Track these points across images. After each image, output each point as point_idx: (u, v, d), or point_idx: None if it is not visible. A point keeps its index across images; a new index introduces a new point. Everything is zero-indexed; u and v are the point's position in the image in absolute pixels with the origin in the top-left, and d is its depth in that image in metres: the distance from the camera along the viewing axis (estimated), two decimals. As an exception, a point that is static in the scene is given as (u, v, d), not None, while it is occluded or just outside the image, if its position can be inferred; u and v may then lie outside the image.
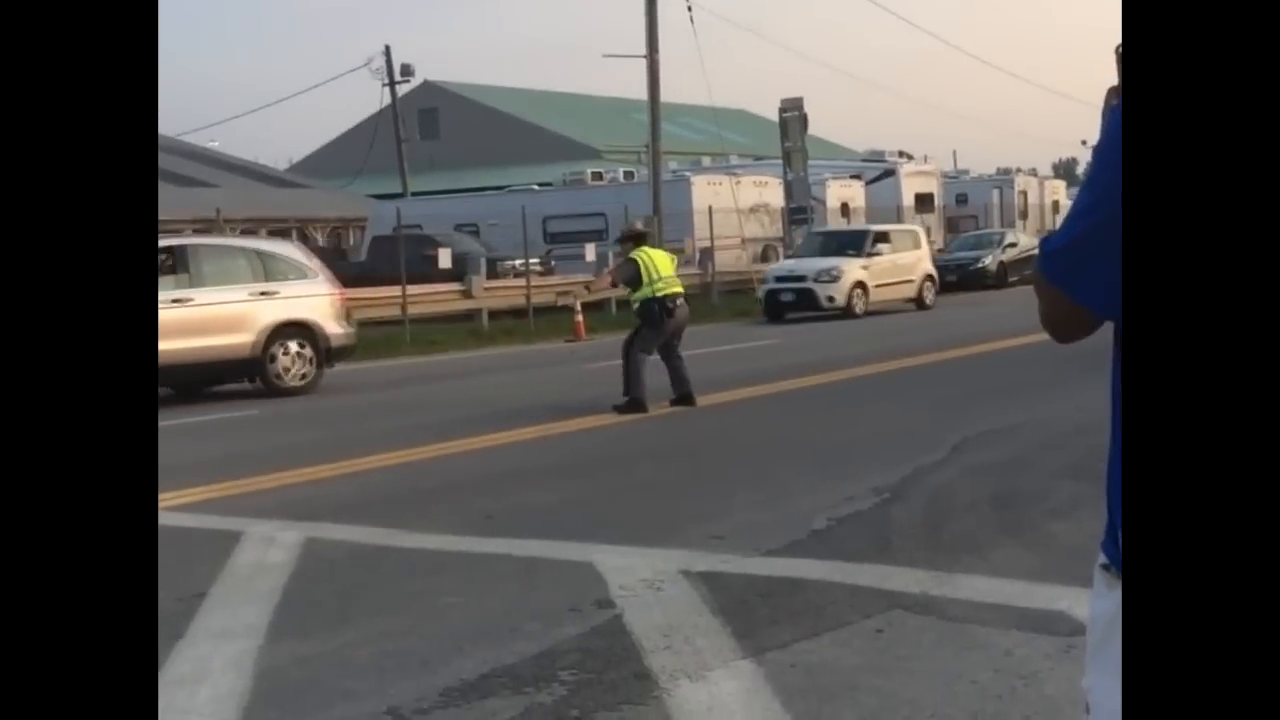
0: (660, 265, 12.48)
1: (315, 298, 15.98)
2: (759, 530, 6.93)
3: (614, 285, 13.75)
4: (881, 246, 27.11)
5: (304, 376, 15.71)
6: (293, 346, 15.61)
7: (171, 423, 13.32)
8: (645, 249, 12.69)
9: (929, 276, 28.44)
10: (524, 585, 6.07)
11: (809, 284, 26.05)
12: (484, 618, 5.53)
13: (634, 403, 12.04)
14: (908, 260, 27.67)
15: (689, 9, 31.71)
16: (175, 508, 8.30)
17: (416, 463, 9.81)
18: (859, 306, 25.83)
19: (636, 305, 12.59)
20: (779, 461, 9.18)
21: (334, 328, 16.09)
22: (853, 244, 27.25)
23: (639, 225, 13.40)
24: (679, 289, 12.60)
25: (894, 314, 26.06)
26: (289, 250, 17.41)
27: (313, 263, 16.82)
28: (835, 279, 25.67)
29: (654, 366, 12.41)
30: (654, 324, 12.35)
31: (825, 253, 26.77)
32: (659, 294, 12.32)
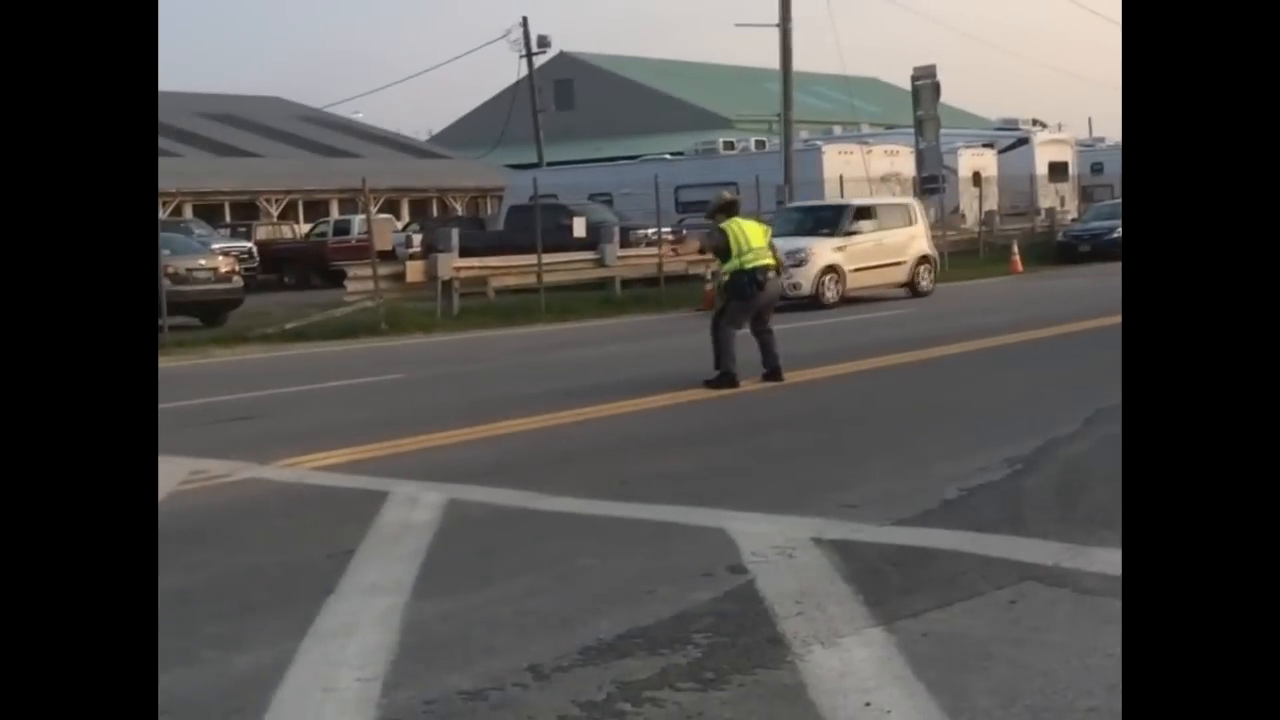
0: (752, 236, 12.10)
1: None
2: (891, 499, 6.96)
3: (701, 252, 13.21)
4: (863, 224, 23.63)
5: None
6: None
7: (318, 386, 13.74)
8: (737, 219, 12.29)
9: (924, 258, 24.69)
10: (658, 549, 6.19)
11: None
12: (620, 580, 5.66)
13: (725, 377, 11.75)
14: (896, 240, 23.71)
15: (823, -24, 31.42)
16: (325, 468, 8.61)
17: (553, 428, 9.99)
18: (830, 294, 22.31)
19: (726, 278, 12.26)
20: (910, 431, 9.17)
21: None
22: (828, 222, 23.59)
23: (728, 195, 12.82)
24: (770, 261, 12.16)
25: (877, 303, 22.89)
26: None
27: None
28: (800, 263, 21.74)
29: (743, 340, 12.09)
30: (743, 296, 12.01)
31: (800, 232, 23.06)
32: (748, 266, 11.95)
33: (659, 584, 5.53)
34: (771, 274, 12.14)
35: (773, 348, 12.13)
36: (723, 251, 12.14)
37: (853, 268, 23.01)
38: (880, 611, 4.99)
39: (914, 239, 24.56)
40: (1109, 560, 5.56)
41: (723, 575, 5.62)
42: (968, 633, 4.75)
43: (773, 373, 12.06)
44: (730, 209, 12.44)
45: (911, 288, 24.15)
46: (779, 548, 6.01)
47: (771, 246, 12.29)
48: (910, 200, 26.83)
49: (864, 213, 24.25)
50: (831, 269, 22.56)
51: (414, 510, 7.17)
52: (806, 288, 22.00)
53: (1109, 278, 26.47)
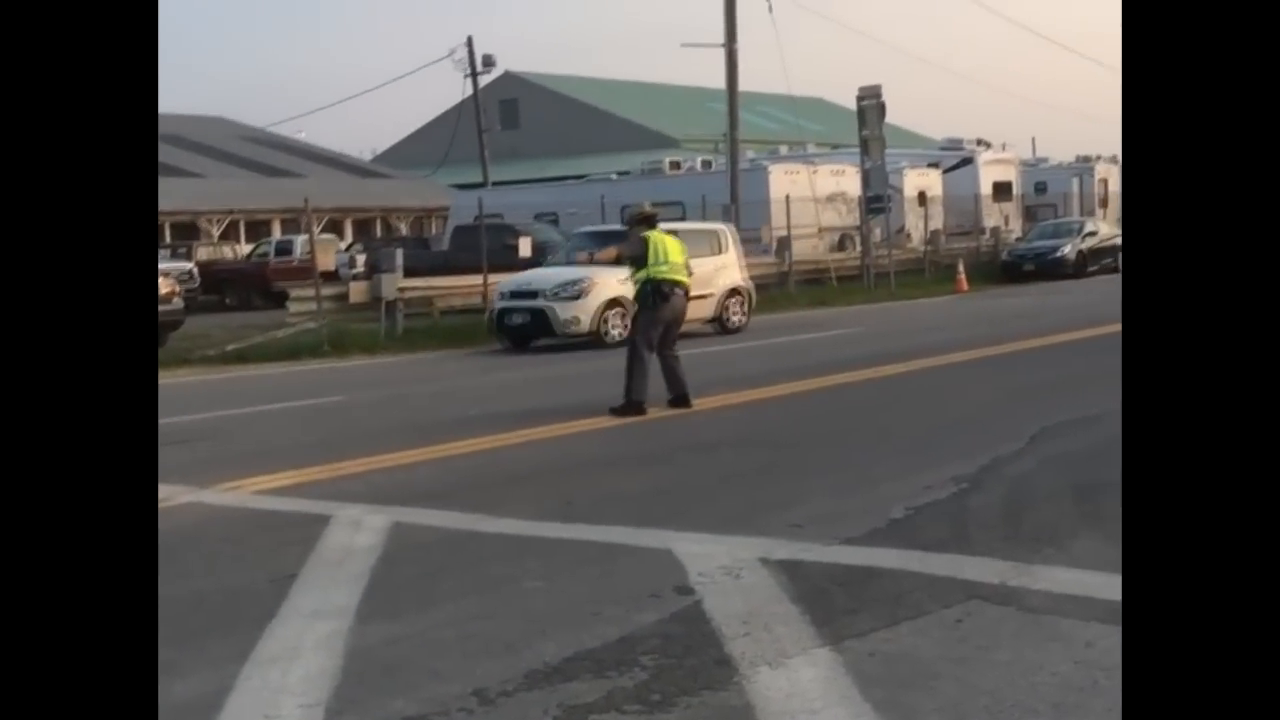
0: (671, 251, 11.92)
1: None
2: (837, 519, 6.97)
3: (618, 260, 12.97)
4: None
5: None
6: None
7: (260, 409, 13.60)
8: (659, 233, 12.11)
9: (734, 291, 21.73)
10: (605, 571, 6.16)
11: (543, 302, 19.66)
12: (566, 602, 5.63)
13: (631, 404, 11.44)
14: (701, 271, 17.54)
15: (768, -3, 31.65)
16: (267, 491, 8.51)
17: (499, 449, 9.94)
18: (614, 332, 19.14)
19: (635, 288, 12.16)
20: (857, 450, 9.20)
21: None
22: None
23: (648, 207, 12.68)
24: (683, 279, 11.99)
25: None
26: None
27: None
28: (577, 296, 19.39)
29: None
30: (648, 307, 11.84)
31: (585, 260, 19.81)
32: (658, 276, 11.77)
33: (605, 606, 5.49)
34: (680, 291, 11.96)
35: (679, 373, 11.87)
36: (639, 259, 11.97)
37: None
38: (827, 631, 4.99)
39: (722, 269, 21.51)
40: (1054, 578, 5.60)
41: (670, 596, 5.60)
42: (914, 652, 4.75)
43: (679, 399, 11.77)
44: (650, 221, 12.31)
45: (720, 323, 21.37)
46: (726, 568, 5.99)
47: (687, 268, 12.21)
48: (719, 226, 23.33)
49: None
50: (617, 303, 19.22)
51: (357, 534, 7.10)
52: (585, 323, 19.39)
53: (1053, 296, 26.84)
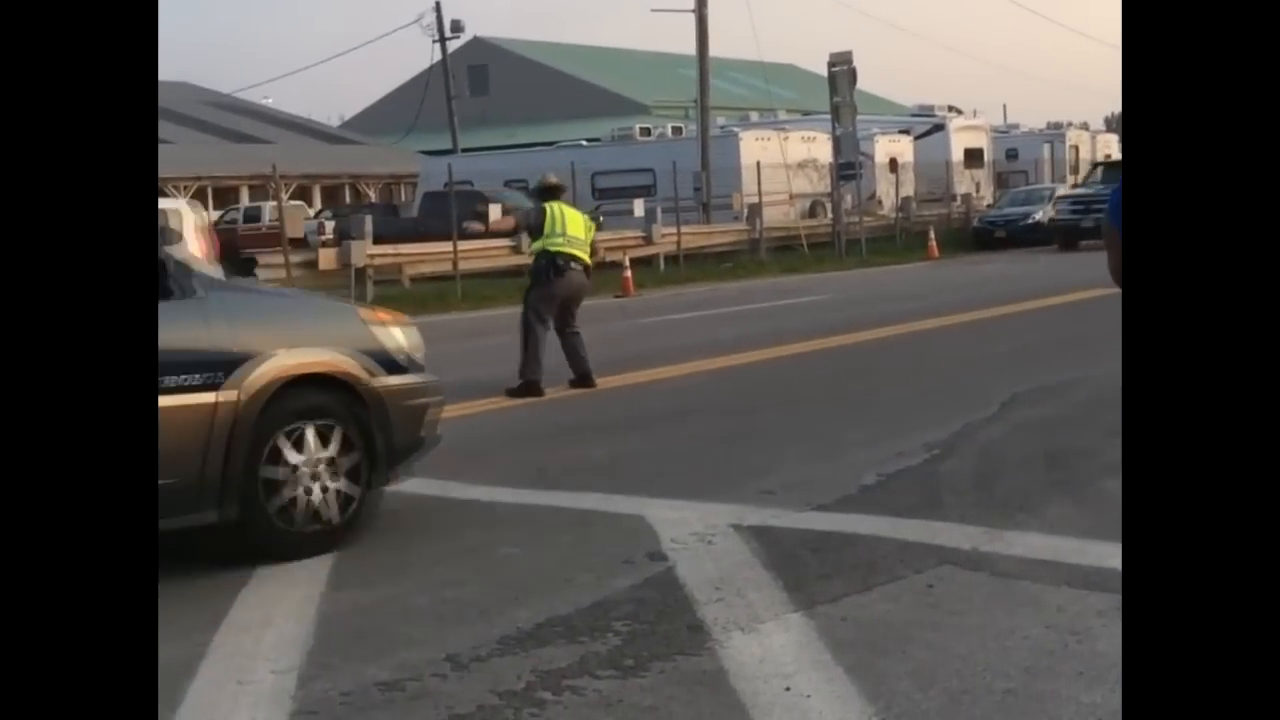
0: (570, 223, 11.35)
1: None
2: (809, 485, 6.99)
3: (516, 229, 12.28)
4: None
5: None
6: None
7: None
8: (560, 203, 11.56)
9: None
10: (577, 538, 6.16)
11: None
12: (539, 569, 5.63)
13: (527, 385, 10.97)
14: None
15: (739, -38, 31.54)
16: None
17: (471, 416, 9.92)
18: None
19: (530, 259, 11.76)
20: (829, 417, 9.23)
21: None
22: None
23: (552, 178, 12.12)
24: (581, 254, 11.35)
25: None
26: None
27: None
28: None
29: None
30: (540, 282, 11.28)
31: None
32: (552, 249, 11.21)
33: (578, 572, 5.50)
34: (576, 266, 11.30)
35: (580, 351, 11.39)
36: (535, 229, 11.44)
37: None
38: (799, 597, 5.01)
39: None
40: (1026, 544, 5.64)
41: (642, 562, 5.61)
42: (886, 617, 4.77)
43: (582, 378, 11.33)
44: (553, 192, 11.77)
45: None
46: (698, 534, 6.00)
47: (593, 247, 11.71)
48: (179, 204, 18.67)
49: None
50: None
51: (329, 500, 7.07)
52: None
53: (1024, 263, 26.93)
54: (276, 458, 5.93)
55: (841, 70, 32.36)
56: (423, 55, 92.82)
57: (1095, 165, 36.98)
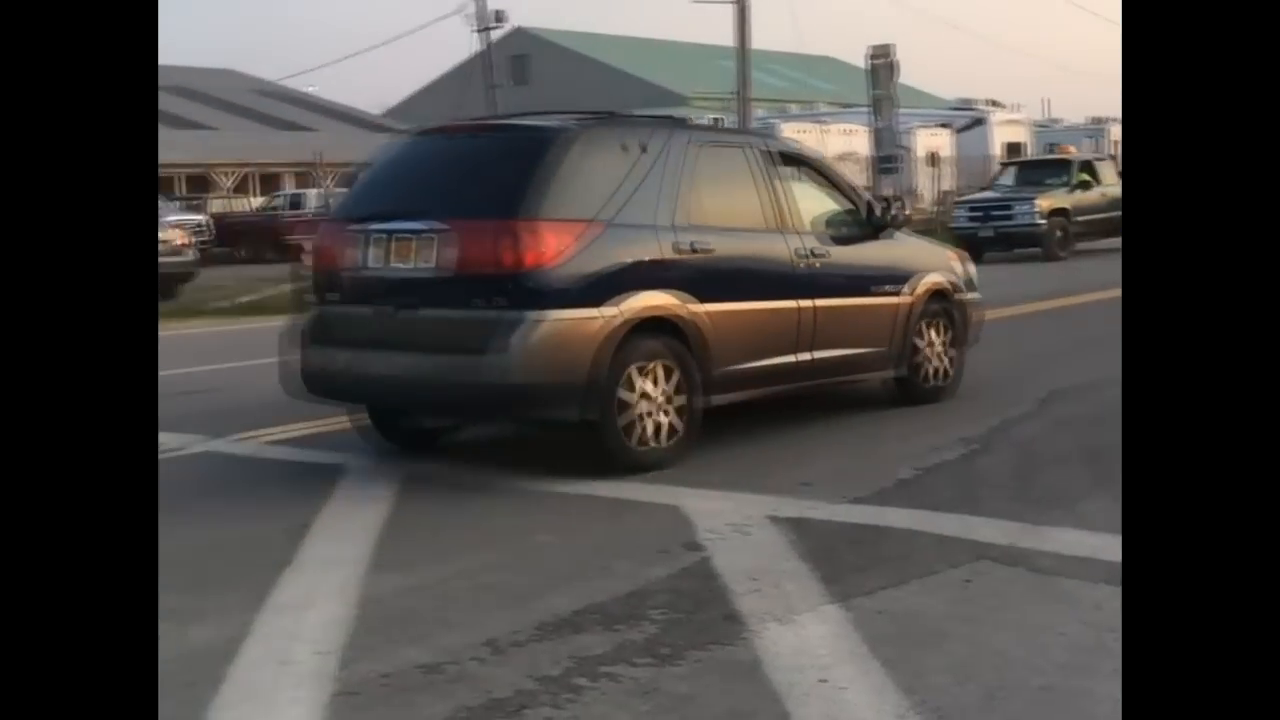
0: None
1: None
2: (846, 478, 7.01)
3: None
4: None
5: None
6: None
7: (272, 361, 13.61)
8: None
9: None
10: (614, 526, 6.20)
11: None
12: (576, 556, 5.67)
13: None
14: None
15: (782, -46, 31.45)
16: (280, 442, 8.57)
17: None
18: None
19: None
20: (864, 411, 9.22)
21: None
22: None
23: None
24: None
25: None
26: None
27: None
28: None
29: None
30: None
31: None
32: None
33: (615, 560, 5.54)
34: None
35: None
36: None
37: None
38: (836, 589, 5.03)
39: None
40: (1063, 540, 5.63)
41: (678, 552, 5.64)
42: (923, 611, 4.79)
43: None
44: None
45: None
46: (735, 525, 6.03)
47: None
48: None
49: None
50: None
51: (370, 484, 7.15)
52: None
53: (1085, 255, 26.66)
54: (922, 334, 9.28)
55: (882, 63, 32.25)
56: (465, 45, 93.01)
57: (1005, 164, 32.62)
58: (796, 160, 8.89)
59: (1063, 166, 28.33)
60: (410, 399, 7.48)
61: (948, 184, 36.48)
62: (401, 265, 7.27)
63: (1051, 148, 44.00)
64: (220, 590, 5.30)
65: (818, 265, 8.40)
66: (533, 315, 6.82)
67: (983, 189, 29.97)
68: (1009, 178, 29.18)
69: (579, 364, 6.91)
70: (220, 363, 13.55)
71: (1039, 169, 29.18)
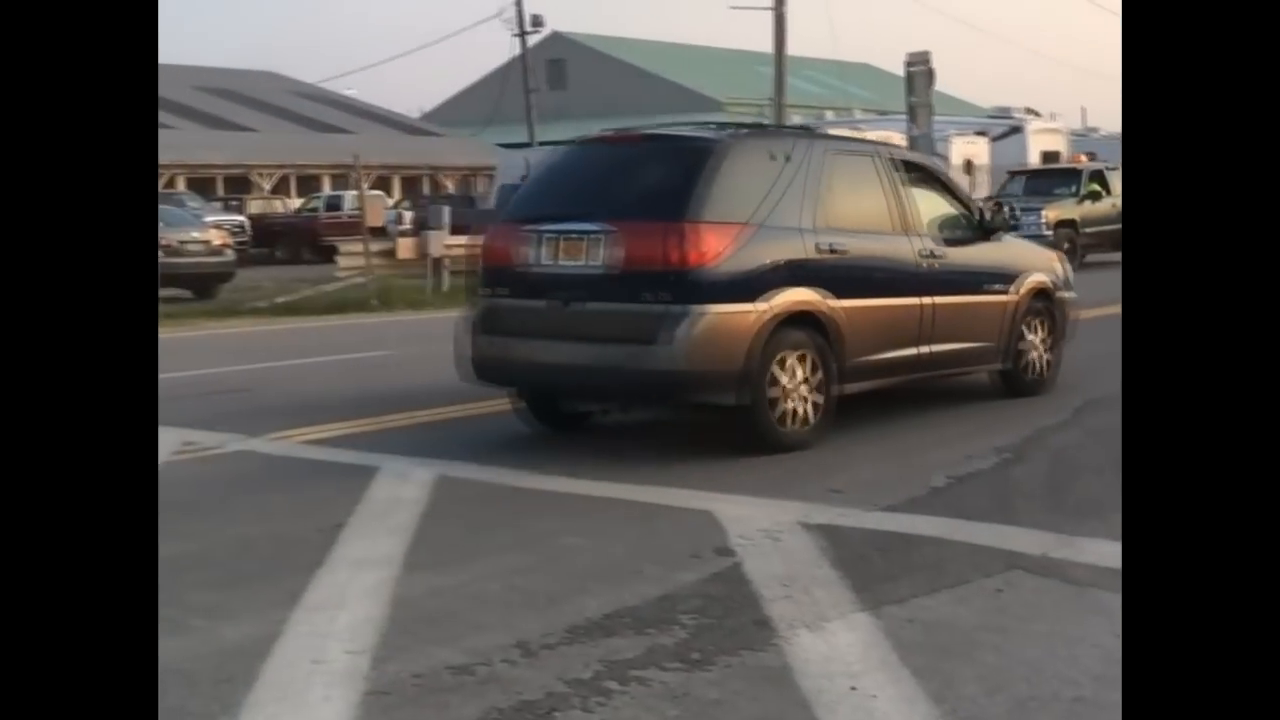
0: None
1: None
2: (878, 485, 6.99)
3: None
4: None
5: None
6: None
7: (308, 361, 13.72)
8: None
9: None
10: (645, 530, 6.21)
11: None
12: (607, 559, 5.68)
13: None
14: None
15: (820, -39, 31.40)
16: (315, 442, 8.62)
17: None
18: None
19: None
20: (898, 419, 9.20)
21: None
22: None
23: None
24: None
25: None
26: None
27: None
28: None
29: None
30: None
31: None
32: None
33: (646, 564, 5.55)
34: None
35: None
36: None
37: None
38: (866, 597, 5.01)
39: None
40: (1097, 551, 5.60)
41: (710, 557, 5.64)
42: (954, 620, 4.77)
43: None
44: None
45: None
46: (766, 531, 6.03)
47: None
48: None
49: None
50: None
51: (403, 486, 7.18)
52: None
53: (1095, 267, 26.50)
54: (1026, 330, 9.83)
55: (919, 70, 32.10)
56: (502, 49, 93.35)
57: (1012, 174, 30.62)
58: (916, 167, 9.61)
59: (1071, 176, 27.83)
60: (580, 385, 8.15)
61: (984, 192, 36.29)
62: (570, 263, 7.93)
63: (1093, 157, 43.83)
64: (254, 588, 5.33)
65: (937, 265, 9.04)
66: (696, 309, 7.50)
67: (988, 199, 29.29)
68: (1016, 187, 28.42)
69: (736, 354, 7.58)
70: (256, 362, 13.63)
71: (1047, 179, 28.71)
